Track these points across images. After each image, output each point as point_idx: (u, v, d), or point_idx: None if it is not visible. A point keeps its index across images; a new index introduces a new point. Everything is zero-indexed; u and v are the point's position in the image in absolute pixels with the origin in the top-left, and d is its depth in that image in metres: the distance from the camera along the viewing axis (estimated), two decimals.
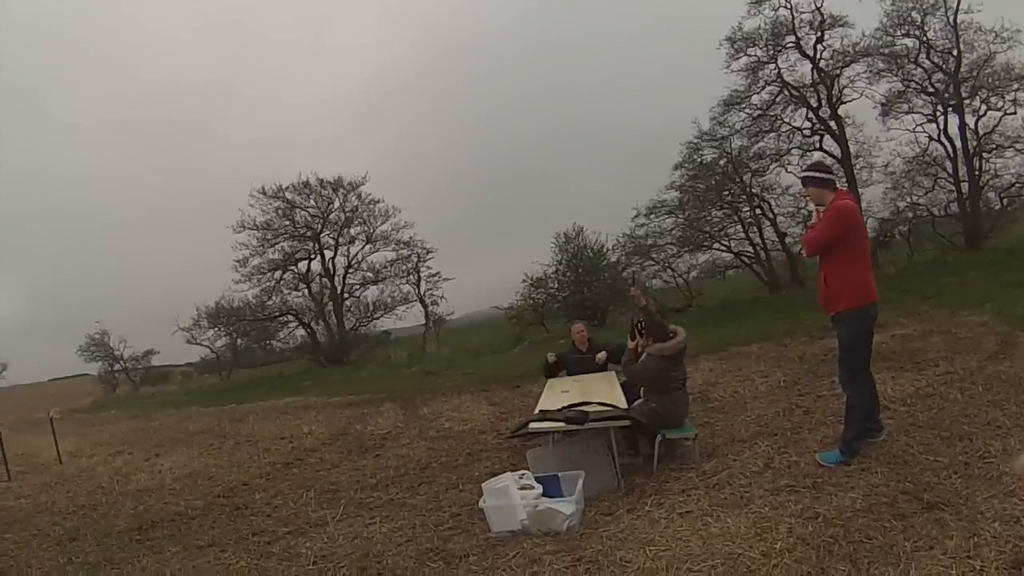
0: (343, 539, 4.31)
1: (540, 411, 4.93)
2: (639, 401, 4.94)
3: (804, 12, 16.24)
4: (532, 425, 4.73)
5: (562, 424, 4.55)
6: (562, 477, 4.26)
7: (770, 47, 16.67)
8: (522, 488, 4.08)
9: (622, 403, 4.94)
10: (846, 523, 3.22)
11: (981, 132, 16.07)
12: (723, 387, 7.07)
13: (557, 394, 5.56)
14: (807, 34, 16.42)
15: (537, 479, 4.23)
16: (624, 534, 3.61)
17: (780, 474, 4.08)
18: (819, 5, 16.04)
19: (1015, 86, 15.29)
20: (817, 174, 4.39)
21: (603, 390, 5.37)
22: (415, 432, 7.34)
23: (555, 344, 11.44)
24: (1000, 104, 15.67)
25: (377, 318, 21.73)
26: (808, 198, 4.52)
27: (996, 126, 15.90)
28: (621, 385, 5.53)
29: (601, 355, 6.35)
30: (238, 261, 20.65)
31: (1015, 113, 15.45)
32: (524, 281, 19.64)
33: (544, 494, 4.09)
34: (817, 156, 15.13)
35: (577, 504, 3.94)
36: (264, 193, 20.44)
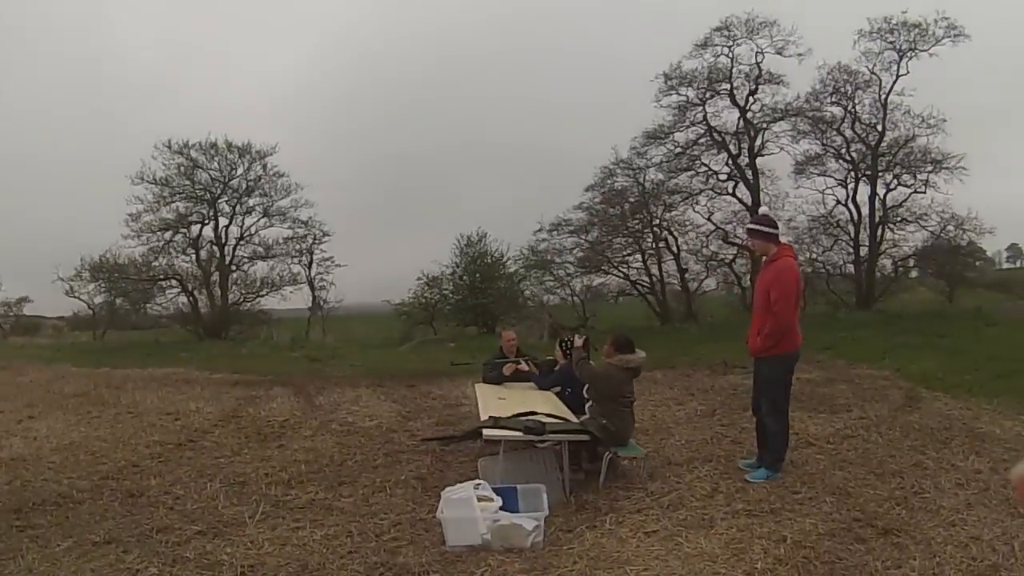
0: (269, 545, 3.79)
1: (491, 417, 4.70)
2: (586, 416, 4.87)
3: (743, 65, 16.99)
4: (486, 432, 4.50)
5: (520, 433, 4.37)
6: (521, 490, 4.07)
7: (703, 90, 17.25)
8: (480, 500, 3.84)
9: (573, 417, 4.87)
10: (814, 545, 3.34)
11: (889, 204, 17.17)
12: (640, 410, 7.15)
13: (495, 400, 5.35)
14: (742, 84, 17.13)
15: (495, 491, 4.01)
16: (594, 552, 3.49)
17: (732, 499, 4.15)
18: (759, 60, 16.84)
19: (930, 168, 16.44)
20: (762, 228, 4.76)
21: (545, 403, 5.27)
22: (316, 423, 6.86)
23: (443, 346, 11.17)
24: (911, 182, 16.83)
25: (263, 295, 20.76)
26: (754, 248, 4.85)
27: (905, 201, 17.04)
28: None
29: (523, 366, 6.26)
30: (130, 215, 19.25)
31: (924, 192, 16.70)
32: (420, 279, 19.61)
33: (501, 507, 3.88)
34: (764, 209, 14.50)
35: (541, 519, 3.76)
36: (169, 147, 19.24)
